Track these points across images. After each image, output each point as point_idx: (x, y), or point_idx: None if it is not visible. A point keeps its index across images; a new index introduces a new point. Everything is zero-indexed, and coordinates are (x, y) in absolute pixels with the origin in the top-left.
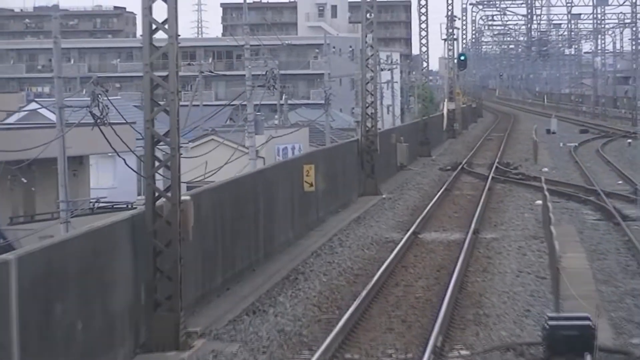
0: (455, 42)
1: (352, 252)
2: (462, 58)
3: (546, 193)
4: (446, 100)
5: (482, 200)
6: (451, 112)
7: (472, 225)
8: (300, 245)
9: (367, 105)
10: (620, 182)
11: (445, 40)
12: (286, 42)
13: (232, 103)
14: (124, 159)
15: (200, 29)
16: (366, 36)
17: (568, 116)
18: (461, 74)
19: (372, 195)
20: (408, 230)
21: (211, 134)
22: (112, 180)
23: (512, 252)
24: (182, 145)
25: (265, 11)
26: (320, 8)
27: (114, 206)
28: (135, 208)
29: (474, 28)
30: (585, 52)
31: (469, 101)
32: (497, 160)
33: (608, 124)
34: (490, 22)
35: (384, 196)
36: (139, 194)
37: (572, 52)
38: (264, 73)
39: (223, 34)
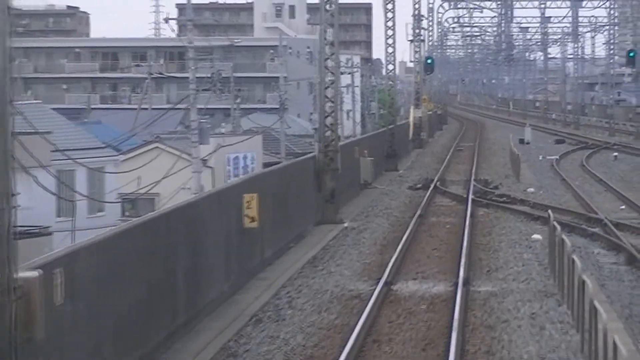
0: (422, 43)
1: (304, 317)
2: (429, 61)
3: (564, 237)
4: (412, 107)
5: (465, 232)
6: (418, 119)
7: (460, 272)
8: (237, 303)
9: (326, 114)
10: (622, 207)
11: (411, 41)
12: (236, 42)
13: (176, 107)
14: (34, 176)
15: (158, 30)
16: (325, 31)
17: (537, 124)
18: (427, 79)
19: (331, 223)
20: (378, 280)
21: (155, 142)
22: (28, 200)
23: (523, 322)
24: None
25: (222, 12)
26: (278, 8)
27: (28, 231)
28: (51, 234)
29: (439, 30)
30: (551, 57)
31: (434, 107)
32: (473, 176)
33: (582, 133)
34: (456, 24)
35: (345, 225)
36: (58, 216)
37: (541, 57)
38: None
39: (179, 35)
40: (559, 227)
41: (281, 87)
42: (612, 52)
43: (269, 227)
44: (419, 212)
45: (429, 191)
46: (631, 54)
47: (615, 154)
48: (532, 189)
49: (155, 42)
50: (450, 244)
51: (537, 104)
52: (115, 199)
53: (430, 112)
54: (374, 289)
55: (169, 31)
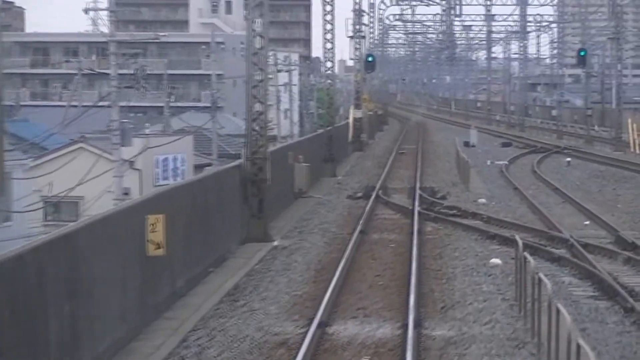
0: (362, 40)
1: None
2: (370, 59)
3: (541, 277)
4: (352, 107)
5: (413, 253)
6: (358, 120)
7: (410, 310)
8: (133, 354)
9: (253, 116)
10: (587, 222)
11: (351, 37)
12: (162, 37)
13: (97, 105)
14: None
15: (96, 26)
16: (253, 22)
17: (481, 125)
18: (367, 77)
19: (259, 241)
20: (311, 319)
21: (80, 141)
22: None
23: None
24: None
25: (159, 8)
26: (214, 4)
27: None
28: None
29: (381, 27)
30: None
31: (375, 107)
32: (417, 184)
33: (529, 136)
34: (398, 21)
35: (275, 243)
36: None
37: (484, 56)
38: (152, 72)
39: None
40: (532, 262)
41: (213, 85)
42: (556, 51)
43: (181, 251)
44: (359, 227)
45: (370, 201)
46: (582, 53)
47: (568, 159)
48: (483, 200)
49: (88, 37)
50: (395, 269)
51: (479, 104)
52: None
53: (370, 113)
54: (305, 333)
55: (107, 26)
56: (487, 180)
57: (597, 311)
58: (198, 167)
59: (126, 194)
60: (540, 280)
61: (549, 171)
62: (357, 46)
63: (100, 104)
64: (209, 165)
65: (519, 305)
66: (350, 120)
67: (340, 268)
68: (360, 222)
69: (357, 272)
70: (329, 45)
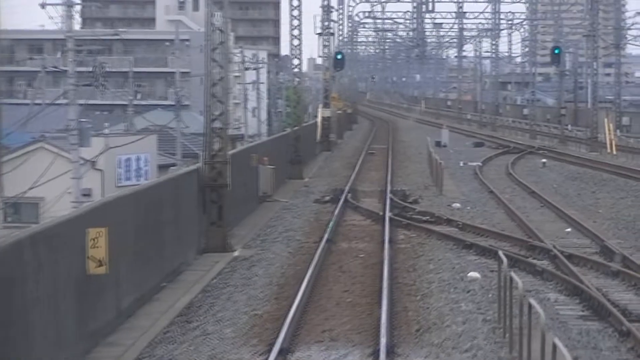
0: (331, 37)
1: None
2: (339, 57)
3: (531, 302)
4: (320, 106)
5: (385, 265)
6: (326, 120)
7: (382, 332)
8: None
9: (213, 117)
10: (568, 229)
11: (319, 34)
12: (122, 34)
13: (54, 103)
14: None
15: (65, 23)
16: (213, 15)
17: (452, 124)
18: (336, 75)
19: (218, 252)
20: (271, 345)
21: (40, 141)
22: None
23: None
24: None
25: (127, 5)
26: (181, 1)
27: None
28: None
29: (350, 24)
30: (463, 56)
31: (344, 106)
32: (388, 186)
33: (501, 135)
34: (368, 18)
35: (236, 253)
36: None
37: (454, 54)
38: (119, 70)
39: (82, 28)
40: (520, 284)
41: (177, 83)
42: (528, 49)
43: (129, 266)
44: (326, 235)
45: (339, 205)
46: (556, 51)
47: (544, 160)
48: (457, 204)
49: (53, 34)
50: (365, 283)
51: (449, 103)
52: None
53: (339, 112)
54: None
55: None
56: (461, 182)
57: (589, 335)
58: (162, 167)
59: (87, 195)
60: (530, 306)
61: (524, 173)
62: (326, 43)
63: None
64: (173, 165)
65: (503, 329)
66: (319, 119)
67: (305, 282)
68: (328, 229)
69: (323, 287)
70: (296, 42)
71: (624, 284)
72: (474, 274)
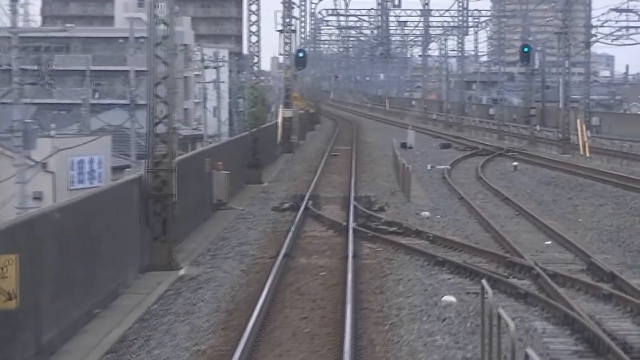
0: (293, 35)
1: None
2: (301, 55)
3: (528, 353)
4: (281, 106)
5: (348, 287)
6: (287, 120)
7: None
8: None
9: (156, 120)
10: (548, 242)
11: (280, 31)
12: (69, 29)
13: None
14: None
15: (27, 22)
16: (156, 6)
17: (417, 124)
18: (299, 74)
19: (163, 270)
20: None
21: None
22: None
23: None
24: None
25: (87, 3)
26: None
27: None
28: None
29: (313, 22)
30: (427, 55)
31: (307, 106)
32: (352, 192)
33: (468, 136)
34: (331, 15)
35: (182, 272)
36: None
37: (419, 53)
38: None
39: (43, 25)
40: (512, 326)
41: (131, 82)
42: (494, 48)
43: (52, 293)
44: (284, 249)
45: (299, 214)
46: (526, 49)
47: (515, 163)
48: (426, 213)
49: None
50: (326, 308)
51: (413, 102)
52: None
53: (302, 112)
54: None
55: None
56: (429, 187)
57: None
58: (117, 169)
59: (38, 198)
60: (527, 356)
61: (495, 177)
62: (287, 41)
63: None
64: (128, 167)
65: None
66: (280, 120)
67: (257, 309)
68: (286, 242)
69: (278, 314)
70: (254, 39)
71: (619, 309)
72: (448, 298)
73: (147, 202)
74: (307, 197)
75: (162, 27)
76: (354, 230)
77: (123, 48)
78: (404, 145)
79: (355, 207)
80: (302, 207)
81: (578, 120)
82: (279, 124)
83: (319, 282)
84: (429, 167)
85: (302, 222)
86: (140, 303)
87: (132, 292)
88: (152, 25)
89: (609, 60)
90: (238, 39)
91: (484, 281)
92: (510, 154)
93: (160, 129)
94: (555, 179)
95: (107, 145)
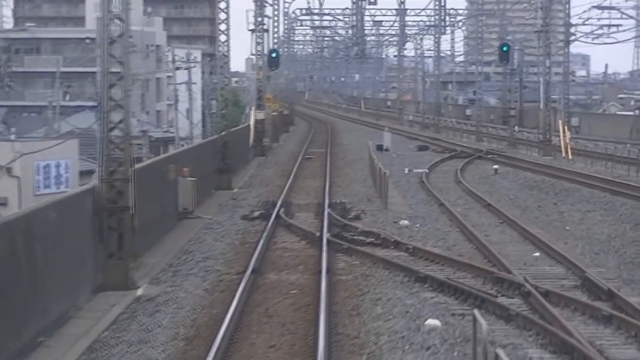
0: (266, 34)
1: None
2: (274, 55)
3: None
4: (253, 108)
5: (321, 309)
6: (260, 123)
7: None
8: None
9: (111, 126)
10: (536, 253)
11: (252, 31)
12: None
13: None
14: None
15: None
16: (110, 2)
17: (393, 126)
18: (272, 75)
19: (119, 289)
20: None
21: None
22: None
23: None
24: None
25: (60, 4)
26: None
27: None
28: None
29: (286, 21)
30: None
31: (280, 107)
32: (326, 198)
33: (445, 137)
34: (305, 15)
35: (139, 292)
36: None
37: (394, 53)
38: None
39: (15, 27)
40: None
41: (98, 84)
42: (469, 48)
43: None
44: (252, 264)
45: (270, 223)
46: (504, 48)
47: (495, 166)
48: (405, 221)
49: None
50: (297, 333)
51: (389, 103)
52: None
53: (275, 113)
54: None
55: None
56: (407, 193)
57: None
58: (85, 173)
59: (3, 204)
60: None
61: (475, 181)
62: (259, 40)
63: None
64: (94, 171)
65: None
66: (252, 122)
67: (220, 336)
68: (255, 255)
69: (243, 341)
70: (223, 38)
71: (621, 333)
72: (432, 322)
73: (101, 216)
74: (279, 205)
75: (117, 23)
76: (328, 241)
77: (93, 49)
78: (379, 148)
79: (329, 214)
80: (274, 215)
81: (560, 121)
82: (251, 127)
83: (289, 301)
84: (406, 170)
85: (273, 233)
86: (90, 330)
87: (83, 315)
88: (105, 22)
89: (585, 60)
90: (212, 40)
91: (476, 312)
92: (489, 156)
93: (116, 134)
94: (538, 182)
95: (74, 149)
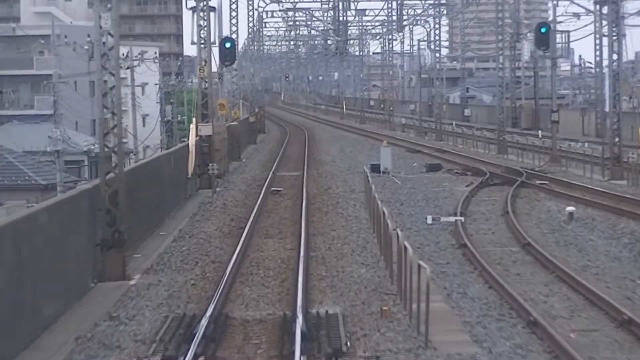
0: (214, 15)
1: None
2: (228, 45)
3: None
4: (194, 122)
5: None
6: (205, 141)
7: None
8: None
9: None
10: None
11: (192, 10)
12: None
13: None
14: None
15: None
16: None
17: (381, 131)
18: (238, 76)
19: None
20: None
21: None
22: None
23: None
24: None
25: None
26: None
27: None
28: None
29: (251, 10)
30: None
31: (249, 115)
32: (299, 302)
33: (454, 148)
34: (276, 10)
35: None
36: None
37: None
38: None
39: None
40: None
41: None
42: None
43: None
44: None
45: None
46: (543, 29)
47: (571, 209)
48: None
49: None
50: None
51: (372, 103)
52: None
53: (235, 123)
54: None
55: None
56: (447, 281)
57: None
58: None
59: None
60: None
61: (552, 242)
62: (203, 23)
63: None
64: None
65: None
66: (191, 143)
67: None
68: None
69: None
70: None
71: None
72: None
73: None
74: (202, 329)
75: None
76: None
77: (32, 49)
78: (376, 169)
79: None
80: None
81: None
82: (191, 148)
83: None
84: (429, 220)
85: None
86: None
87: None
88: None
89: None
90: (178, 38)
91: None
92: (541, 183)
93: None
94: None
95: None
